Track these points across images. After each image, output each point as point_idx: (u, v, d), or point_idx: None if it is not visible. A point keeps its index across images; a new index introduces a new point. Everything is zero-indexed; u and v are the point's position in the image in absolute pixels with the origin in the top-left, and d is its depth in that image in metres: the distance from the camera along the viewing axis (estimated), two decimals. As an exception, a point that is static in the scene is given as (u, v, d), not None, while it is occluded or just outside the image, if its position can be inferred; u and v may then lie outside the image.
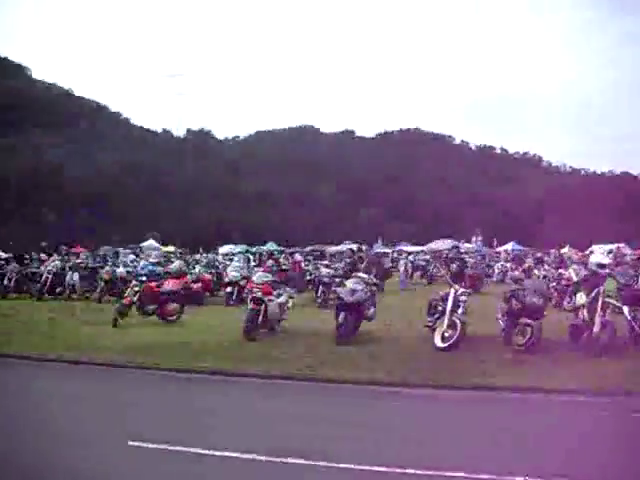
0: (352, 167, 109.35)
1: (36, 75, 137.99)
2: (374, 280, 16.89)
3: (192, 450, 7.12)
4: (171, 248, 51.41)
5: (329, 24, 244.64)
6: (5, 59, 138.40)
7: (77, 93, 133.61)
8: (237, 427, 8.41)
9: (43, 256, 29.59)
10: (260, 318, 15.04)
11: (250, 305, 15.36)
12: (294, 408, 9.68)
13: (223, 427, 8.41)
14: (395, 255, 45.38)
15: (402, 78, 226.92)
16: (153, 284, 18.14)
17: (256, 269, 25.33)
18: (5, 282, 25.22)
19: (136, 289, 17.73)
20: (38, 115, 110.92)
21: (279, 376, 11.41)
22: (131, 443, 7.34)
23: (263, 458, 6.84)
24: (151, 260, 25.12)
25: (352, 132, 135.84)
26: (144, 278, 18.35)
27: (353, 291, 14.70)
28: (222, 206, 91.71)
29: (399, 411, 9.52)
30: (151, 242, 56.76)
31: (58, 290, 24.95)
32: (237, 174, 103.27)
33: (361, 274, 16.93)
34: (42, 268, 26.20)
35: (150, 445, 7.27)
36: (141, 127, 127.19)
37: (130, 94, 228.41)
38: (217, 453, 7.00)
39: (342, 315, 14.31)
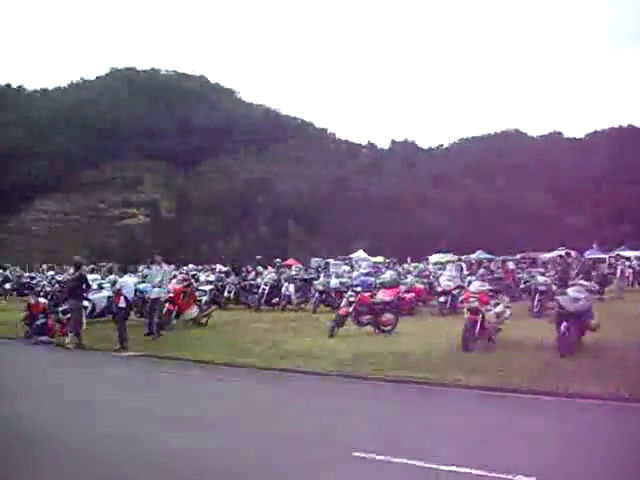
0: (561, 170, 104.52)
1: (245, 97, 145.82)
2: (596, 287, 15.70)
3: (417, 464, 6.69)
4: (380, 258, 51.67)
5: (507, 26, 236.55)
6: (217, 84, 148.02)
7: (283, 112, 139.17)
8: (459, 441, 7.85)
9: (259, 269, 30.79)
10: (477, 328, 14.46)
11: (467, 315, 14.82)
12: (519, 423, 8.90)
13: (443, 439, 7.87)
14: (612, 260, 42.41)
15: (607, 71, 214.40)
16: (367, 295, 18.11)
17: (469, 278, 24.68)
18: (225, 294, 26.39)
19: (351, 300, 17.75)
20: (248, 135, 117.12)
21: (499, 388, 10.72)
22: (356, 454, 7.10)
23: (495, 475, 6.27)
24: (361, 271, 25.15)
25: (560, 133, 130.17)
26: (359, 289, 18.37)
27: (575, 299, 13.68)
28: (428, 215, 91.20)
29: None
30: (360, 253, 57.57)
31: (274, 301, 25.70)
32: (442, 183, 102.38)
33: (582, 281, 15.80)
34: (259, 280, 27.15)
35: (376, 456, 6.95)
36: (346, 141, 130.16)
37: (335, 110, 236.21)
38: (443, 467, 6.50)
39: (564, 325, 13.33)
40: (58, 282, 25.24)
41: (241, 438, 8.03)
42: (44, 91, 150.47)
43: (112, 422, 8.82)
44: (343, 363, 13.29)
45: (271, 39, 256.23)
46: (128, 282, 18.27)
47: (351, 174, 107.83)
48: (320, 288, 24.66)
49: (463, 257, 51.51)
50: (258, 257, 35.06)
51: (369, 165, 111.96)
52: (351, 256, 54.23)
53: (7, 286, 32.95)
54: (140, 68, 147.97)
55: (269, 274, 27.31)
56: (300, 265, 36.59)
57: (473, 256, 53.77)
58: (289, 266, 35.10)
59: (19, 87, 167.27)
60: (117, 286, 17.81)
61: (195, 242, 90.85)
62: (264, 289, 25.57)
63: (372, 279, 23.15)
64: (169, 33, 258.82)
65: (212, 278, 27.30)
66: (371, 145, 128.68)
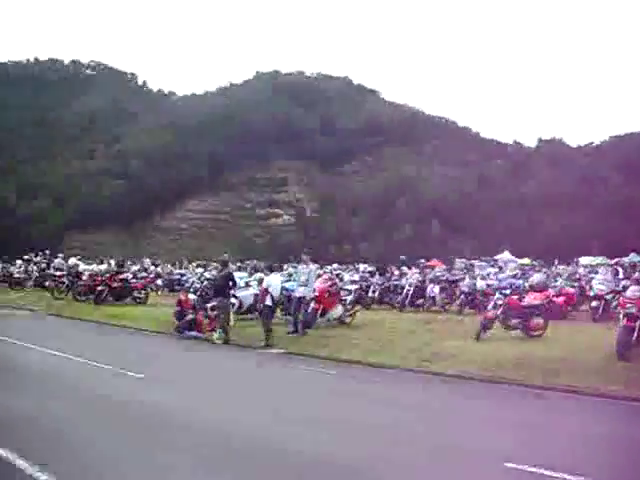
0: None
1: (388, 97, 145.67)
2: None
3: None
4: (526, 260, 49.93)
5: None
6: (360, 85, 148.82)
7: (427, 112, 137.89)
8: (615, 455, 7.29)
9: (404, 269, 30.52)
10: (635, 336, 13.52)
11: (623, 321, 13.90)
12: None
13: (596, 453, 7.35)
14: None
15: None
16: (516, 298, 17.46)
17: (624, 282, 23.24)
18: (369, 294, 26.32)
19: (499, 302, 17.16)
20: (391, 135, 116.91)
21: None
22: (508, 464, 6.72)
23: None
24: (508, 273, 24.32)
25: None
26: (507, 291, 17.74)
27: None
28: (577, 216, 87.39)
29: None
30: (506, 254, 55.96)
31: (419, 302, 25.34)
32: (591, 182, 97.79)
33: None
34: (403, 281, 26.88)
35: (528, 468, 6.55)
36: (491, 140, 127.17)
37: (479, 108, 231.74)
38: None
39: None
40: (207, 279, 26.07)
41: (385, 444, 7.79)
42: (193, 96, 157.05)
43: (254, 419, 8.91)
44: (489, 368, 12.86)
45: (412, 39, 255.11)
46: (275, 280, 18.52)
47: (496, 173, 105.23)
48: (466, 290, 24.07)
49: (613, 261, 48.94)
50: (402, 257, 34.72)
51: (514, 164, 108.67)
52: (496, 257, 52.73)
53: (159, 282, 34.44)
54: (285, 71, 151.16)
55: (413, 275, 26.98)
56: (443, 266, 35.99)
57: (626, 259, 50.88)
58: (432, 267, 34.58)
59: (170, 92, 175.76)
60: (264, 284, 18.09)
61: (338, 242, 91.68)
62: (408, 290, 25.25)
63: (520, 282, 22.30)
64: (314, 36, 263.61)
65: (356, 278, 27.31)
66: (517, 144, 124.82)
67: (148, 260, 41.42)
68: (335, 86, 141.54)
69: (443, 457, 7.25)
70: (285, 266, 32.33)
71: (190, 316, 19.13)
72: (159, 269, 37.89)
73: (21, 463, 6.10)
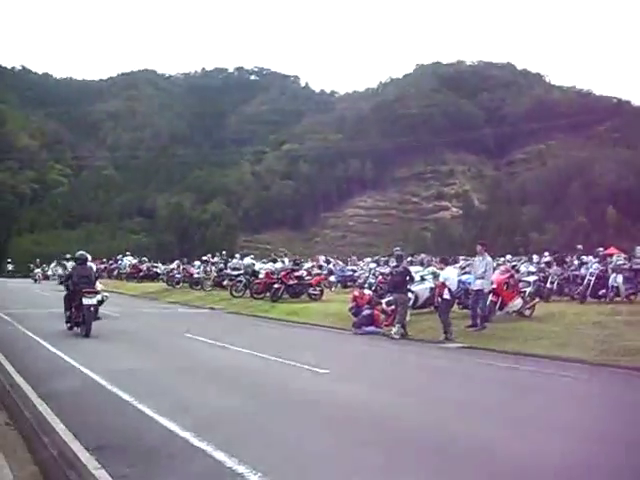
0: None
1: (554, 81, 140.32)
2: None
3: None
4: None
5: None
6: (524, 70, 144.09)
7: (597, 92, 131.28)
8: None
9: (584, 258, 29.19)
10: None
11: None
12: None
13: None
14: None
15: None
16: None
17: None
18: (548, 285, 25.38)
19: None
20: (560, 119, 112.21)
21: None
22: None
23: None
24: None
25: None
26: None
27: None
28: None
29: None
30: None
31: (601, 293, 24.08)
32: None
33: None
34: (582, 270, 25.71)
35: None
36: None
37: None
38: None
39: None
40: (381, 274, 26.19)
41: (581, 441, 7.44)
42: (355, 93, 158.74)
43: (446, 415, 8.80)
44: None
45: (576, 16, 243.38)
46: (451, 274, 18.30)
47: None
48: (651, 279, 22.63)
49: None
50: (579, 247, 33.15)
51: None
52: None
53: (332, 279, 35.01)
54: (446, 62, 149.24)
55: (594, 264, 25.70)
56: (622, 254, 34.04)
57: None
58: (610, 255, 32.77)
59: (332, 92, 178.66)
60: (440, 278, 17.93)
61: (509, 232, 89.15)
62: (589, 280, 24.07)
63: None
64: (473, 24, 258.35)
65: (532, 269, 26.42)
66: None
67: (323, 257, 42.20)
68: (498, 73, 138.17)
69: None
70: (460, 259, 31.87)
71: (367, 311, 19.30)
72: (331, 266, 38.52)
73: (223, 458, 6.35)
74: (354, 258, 42.46)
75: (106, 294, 20.69)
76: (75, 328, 17.54)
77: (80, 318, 17.21)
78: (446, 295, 17.25)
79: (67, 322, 17.88)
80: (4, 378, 10.61)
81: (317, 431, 7.79)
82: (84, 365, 11.87)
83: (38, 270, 51.28)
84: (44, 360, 12.96)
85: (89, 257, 19.68)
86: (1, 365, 11.66)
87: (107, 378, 10.59)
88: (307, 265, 35.17)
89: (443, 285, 17.46)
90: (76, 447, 6.50)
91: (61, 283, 27.65)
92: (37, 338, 16.13)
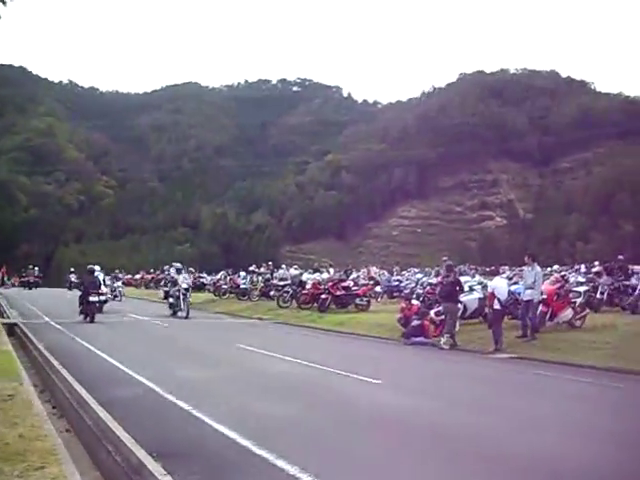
0: None
1: (600, 88, 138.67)
2: None
3: None
4: None
5: None
6: (569, 78, 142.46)
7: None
8: None
9: (637, 268, 28.65)
10: None
11: None
12: None
13: None
14: None
15: None
16: None
17: None
18: (598, 295, 24.96)
19: None
20: (607, 127, 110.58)
21: None
22: None
23: None
24: None
25: None
26: None
27: None
28: None
29: None
30: None
31: (651, 302, 23.65)
32: None
33: None
34: (633, 281, 25.27)
35: None
36: None
37: None
38: None
39: None
40: (429, 284, 26.09)
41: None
42: (398, 103, 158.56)
43: (500, 425, 8.76)
44: None
45: (622, 23, 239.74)
46: (500, 284, 18.18)
47: None
48: None
49: None
50: (620, 257, 32.23)
51: None
52: None
53: (378, 289, 34.91)
54: (489, 70, 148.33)
55: (642, 274, 25.29)
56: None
57: None
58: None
59: (374, 102, 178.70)
60: (489, 289, 17.85)
61: (554, 242, 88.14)
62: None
63: None
64: (517, 31, 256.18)
65: (582, 279, 26.04)
66: None
67: (375, 268, 41.98)
68: (542, 81, 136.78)
69: None
70: (503, 268, 31.60)
71: (416, 322, 19.24)
72: (377, 276, 38.45)
73: (285, 466, 6.43)
74: (397, 268, 42.25)
75: (109, 296, 29.58)
76: (87, 317, 24.18)
77: (89, 310, 24.22)
78: (496, 305, 17.14)
79: (80, 313, 24.61)
80: (63, 386, 10.84)
81: (374, 440, 7.82)
82: (139, 374, 12.07)
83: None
84: (99, 368, 13.21)
85: (97, 268, 28.24)
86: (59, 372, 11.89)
87: (163, 386, 10.77)
88: (354, 275, 35.22)
89: (493, 295, 17.37)
90: (141, 454, 6.62)
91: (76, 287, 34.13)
92: (91, 347, 16.44)
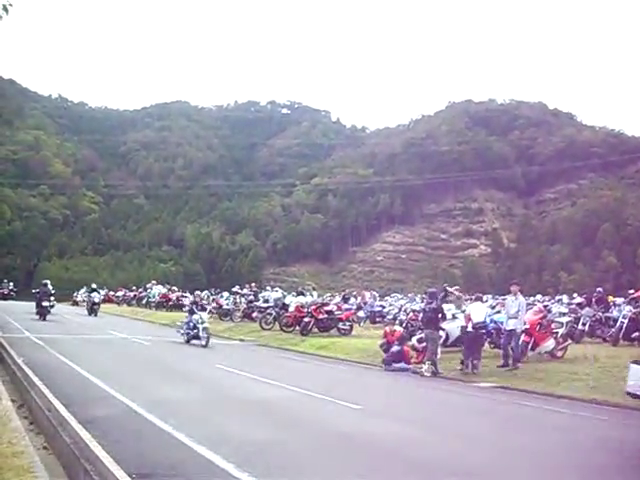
0: None
1: (585, 121, 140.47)
2: None
3: None
4: None
5: None
6: (555, 109, 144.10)
7: (628, 133, 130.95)
8: None
9: (618, 300, 28.80)
10: None
11: None
12: None
13: None
14: None
15: None
16: None
17: None
18: (579, 326, 25.08)
19: None
20: (591, 159, 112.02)
21: None
22: None
23: None
24: None
25: None
26: None
27: None
28: None
29: None
30: None
31: (634, 335, 23.76)
32: None
33: None
34: (614, 312, 25.41)
35: None
36: None
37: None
38: None
39: None
40: (413, 311, 26.12)
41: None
42: (386, 129, 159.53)
43: (482, 455, 8.76)
44: None
45: (608, 57, 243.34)
46: (478, 308, 18.66)
47: None
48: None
49: None
50: (598, 289, 32.10)
51: None
52: None
53: (360, 314, 34.88)
54: (477, 100, 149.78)
55: (626, 306, 25.40)
56: (659, 296, 33.51)
57: None
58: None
59: (362, 127, 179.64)
60: (467, 311, 18.32)
61: (537, 272, 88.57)
62: (622, 322, 23.79)
63: None
64: (505, 62, 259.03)
65: (564, 310, 26.16)
66: None
67: (369, 293, 41.64)
68: (529, 112, 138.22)
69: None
70: (485, 297, 31.64)
71: (397, 348, 19.24)
72: (358, 300, 38.39)
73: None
74: (375, 294, 42.22)
75: (54, 302, 37.56)
76: (40, 317, 33.38)
77: (41, 312, 33.77)
78: (469, 328, 17.75)
79: (36, 314, 33.93)
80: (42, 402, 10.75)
81: (354, 465, 7.80)
82: (121, 393, 12.00)
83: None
84: (77, 386, 13.10)
85: (48, 282, 37.05)
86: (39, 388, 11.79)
87: (143, 406, 10.71)
88: (353, 300, 35.52)
89: (469, 318, 17.99)
90: (120, 474, 6.57)
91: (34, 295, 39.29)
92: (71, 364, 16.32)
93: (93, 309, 41.08)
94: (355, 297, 38.22)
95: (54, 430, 9.18)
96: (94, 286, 45.40)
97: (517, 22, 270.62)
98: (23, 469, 6.66)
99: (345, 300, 33.60)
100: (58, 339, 23.11)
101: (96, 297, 42.36)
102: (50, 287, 36.66)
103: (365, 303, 36.31)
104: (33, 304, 35.94)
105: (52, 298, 36.19)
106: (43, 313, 33.68)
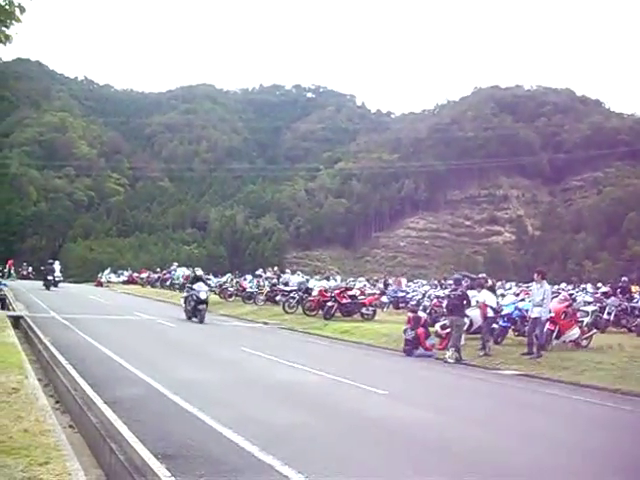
0: None
1: (613, 108, 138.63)
2: None
3: None
4: None
5: None
6: (583, 96, 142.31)
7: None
8: None
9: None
10: None
11: None
12: None
13: None
14: None
15: None
16: None
17: None
18: (605, 316, 24.87)
19: None
20: (619, 147, 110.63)
21: None
22: None
23: None
24: None
25: None
26: None
27: None
28: None
29: None
30: None
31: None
32: None
33: None
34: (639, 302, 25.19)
35: None
36: None
37: None
38: None
39: None
40: (436, 297, 26.02)
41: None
42: (411, 114, 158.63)
43: (508, 441, 8.71)
44: None
45: (637, 44, 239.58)
46: (489, 295, 19.19)
47: None
48: None
49: None
50: (624, 278, 31.72)
51: None
52: None
53: (384, 299, 34.83)
54: (504, 86, 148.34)
55: (652, 295, 25.17)
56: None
57: None
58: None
59: (388, 112, 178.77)
60: (481, 300, 18.41)
61: (561, 260, 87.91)
62: (646, 312, 23.60)
63: None
64: (533, 47, 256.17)
65: (589, 299, 25.92)
66: None
67: (405, 280, 41.61)
68: (556, 98, 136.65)
69: None
70: (498, 283, 31.50)
71: (410, 333, 19.13)
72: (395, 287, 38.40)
73: (291, 473, 6.41)
74: (399, 279, 42.22)
75: (60, 277, 45.11)
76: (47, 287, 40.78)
77: (47, 284, 41.31)
78: (490, 313, 18.36)
79: (43, 285, 41.57)
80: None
81: (380, 450, 7.77)
82: (146, 374, 12.07)
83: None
84: (103, 366, 13.20)
85: (57, 262, 45.75)
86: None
87: (168, 387, 10.76)
88: (393, 286, 35.79)
89: (485, 305, 18.41)
90: (145, 455, 6.60)
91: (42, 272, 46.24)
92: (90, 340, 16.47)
93: (198, 309, 25.96)
94: (390, 284, 38.16)
95: (80, 409, 9.28)
96: (199, 272, 29.89)
97: (546, 7, 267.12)
98: (50, 447, 6.71)
99: (386, 286, 33.72)
100: (84, 319, 23.28)
101: (202, 292, 26.38)
102: (57, 266, 44.30)
103: (401, 290, 36.31)
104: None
105: (57, 274, 43.61)
106: (48, 285, 41.42)
